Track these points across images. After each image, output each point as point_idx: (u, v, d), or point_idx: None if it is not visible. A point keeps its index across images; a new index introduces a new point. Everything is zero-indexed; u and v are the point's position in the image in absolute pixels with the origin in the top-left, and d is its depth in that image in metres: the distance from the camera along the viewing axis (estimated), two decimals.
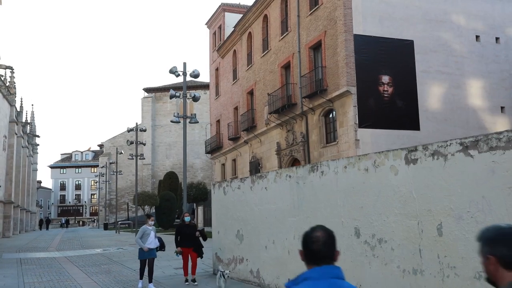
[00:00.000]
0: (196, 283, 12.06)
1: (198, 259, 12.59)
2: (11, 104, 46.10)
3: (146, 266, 11.81)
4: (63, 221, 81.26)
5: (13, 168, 44.84)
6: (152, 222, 12.06)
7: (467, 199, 6.17)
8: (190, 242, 12.12)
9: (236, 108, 36.05)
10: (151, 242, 11.66)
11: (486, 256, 2.14)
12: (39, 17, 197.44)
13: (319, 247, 2.47)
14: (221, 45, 39.25)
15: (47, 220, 76.02)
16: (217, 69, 41.54)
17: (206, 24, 44.16)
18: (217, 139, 39.97)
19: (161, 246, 12.10)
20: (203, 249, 12.51)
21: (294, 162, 26.12)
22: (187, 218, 12.33)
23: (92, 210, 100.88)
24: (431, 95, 22.62)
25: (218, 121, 40.42)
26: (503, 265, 2.08)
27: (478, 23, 24.33)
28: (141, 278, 11.85)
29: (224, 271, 10.42)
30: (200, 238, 12.46)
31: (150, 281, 11.75)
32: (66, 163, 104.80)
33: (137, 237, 11.76)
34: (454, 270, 6.32)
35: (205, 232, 13.27)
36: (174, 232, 13.56)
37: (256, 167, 30.85)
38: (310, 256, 2.49)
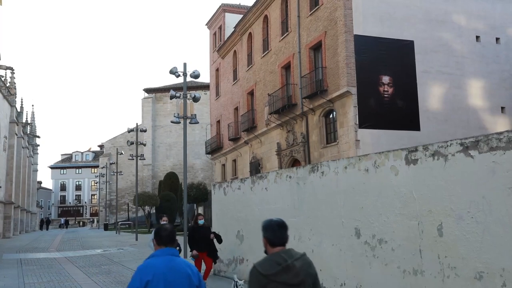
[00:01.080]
0: None
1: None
2: (12, 104, 46.11)
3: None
4: (62, 222, 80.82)
5: (13, 168, 44.85)
6: (165, 222, 10.84)
7: (468, 199, 6.17)
8: (205, 245, 11.32)
9: (236, 109, 36.06)
10: None
11: (263, 237, 3.50)
12: (39, 18, 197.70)
13: (166, 234, 3.74)
14: (221, 46, 39.27)
15: (47, 220, 76.05)
16: (217, 70, 41.56)
17: (206, 24, 44.19)
18: (217, 140, 39.98)
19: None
20: (217, 253, 11.75)
21: (295, 163, 26.11)
22: (201, 221, 11.50)
23: (93, 210, 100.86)
24: (431, 95, 22.62)
25: (219, 121, 40.42)
26: (269, 244, 3.45)
27: (479, 23, 24.33)
28: None
29: (237, 281, 9.61)
30: (215, 241, 11.63)
31: None
32: (66, 163, 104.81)
33: (149, 241, 10.71)
34: (455, 270, 6.32)
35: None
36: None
37: (256, 168, 30.85)
38: (160, 240, 3.74)
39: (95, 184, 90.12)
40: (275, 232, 3.48)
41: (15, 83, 48.35)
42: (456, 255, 6.30)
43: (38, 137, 68.49)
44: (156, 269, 3.57)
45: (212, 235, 11.39)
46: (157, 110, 72.90)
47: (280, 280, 3.28)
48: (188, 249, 11.78)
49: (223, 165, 39.43)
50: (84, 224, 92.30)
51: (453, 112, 22.83)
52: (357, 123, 21.08)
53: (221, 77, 40.38)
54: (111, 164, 62.20)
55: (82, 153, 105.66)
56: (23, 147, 52.22)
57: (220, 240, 11.53)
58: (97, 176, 74.37)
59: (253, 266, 3.41)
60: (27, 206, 59.28)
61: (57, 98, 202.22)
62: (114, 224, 54.36)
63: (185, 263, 3.75)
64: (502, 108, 24.21)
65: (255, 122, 31.59)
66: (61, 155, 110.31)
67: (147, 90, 74.21)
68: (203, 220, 11.50)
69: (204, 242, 11.28)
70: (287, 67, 27.67)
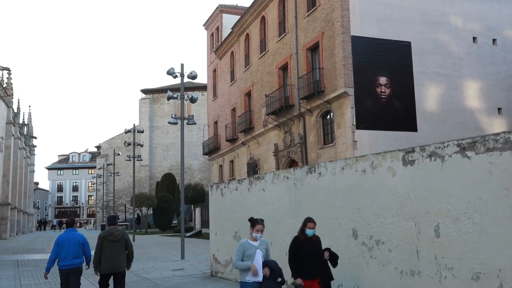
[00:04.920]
0: None
1: None
2: (8, 105, 45.99)
3: None
4: (55, 223, 79.05)
5: (10, 169, 44.71)
6: (259, 235, 6.80)
7: (464, 200, 6.18)
8: (316, 269, 6.99)
9: (233, 110, 36.05)
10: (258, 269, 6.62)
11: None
12: (36, 18, 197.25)
13: (69, 222, 8.83)
14: (218, 47, 39.27)
15: (44, 221, 75.79)
16: (214, 71, 41.55)
17: (203, 25, 44.20)
18: (214, 141, 39.96)
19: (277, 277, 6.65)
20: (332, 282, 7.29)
21: (292, 164, 26.11)
22: (310, 232, 7.07)
23: (90, 211, 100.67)
24: (428, 97, 22.66)
25: (216, 122, 40.41)
26: (107, 224, 9.03)
27: (476, 24, 24.40)
28: None
29: None
30: (328, 262, 7.25)
31: None
32: (63, 164, 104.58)
33: (235, 261, 6.74)
34: (452, 271, 6.33)
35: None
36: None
37: (253, 169, 30.84)
38: (67, 225, 8.82)
39: (92, 185, 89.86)
40: (110, 219, 8.93)
41: (11, 84, 48.25)
42: (453, 256, 6.31)
43: (35, 138, 68.31)
44: (63, 237, 8.46)
45: (326, 254, 7.11)
46: (154, 111, 72.88)
47: (107, 239, 8.38)
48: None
49: (221, 166, 39.40)
50: (81, 225, 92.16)
51: (450, 113, 22.88)
52: (355, 124, 21.09)
53: (219, 78, 40.37)
54: (108, 165, 62.11)
55: (79, 154, 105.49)
56: (20, 148, 52.04)
57: (335, 262, 7.24)
58: (94, 177, 74.22)
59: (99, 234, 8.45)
60: (24, 207, 59.12)
61: (54, 98, 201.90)
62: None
63: (78, 234, 8.54)
64: (499, 109, 24.27)
65: (253, 123, 31.59)
66: (58, 156, 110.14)
67: (145, 91, 74.20)
68: (313, 230, 7.13)
69: (315, 263, 7.01)
70: (284, 68, 27.67)
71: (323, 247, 7.29)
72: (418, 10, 23.12)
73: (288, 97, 26.48)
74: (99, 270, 8.53)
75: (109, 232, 8.46)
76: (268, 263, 6.69)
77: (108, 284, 8.71)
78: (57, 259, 8.39)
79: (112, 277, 8.67)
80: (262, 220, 6.95)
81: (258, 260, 6.60)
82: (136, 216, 50.53)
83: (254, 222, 6.87)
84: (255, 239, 6.79)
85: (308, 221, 7.15)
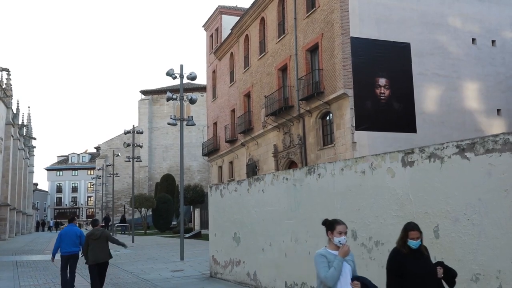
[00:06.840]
0: None
1: None
2: (8, 106, 45.95)
3: None
4: (51, 224, 77.60)
5: (9, 170, 44.66)
6: (344, 238, 4.85)
7: (464, 201, 6.19)
8: None
9: (233, 111, 36.06)
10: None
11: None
12: (36, 19, 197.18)
13: (70, 218, 11.66)
14: (218, 48, 39.29)
15: (42, 222, 75.57)
16: (214, 72, 41.58)
17: (203, 26, 44.24)
18: (214, 142, 39.97)
19: None
20: None
21: (291, 165, 26.11)
22: (414, 243, 4.99)
23: (89, 212, 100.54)
24: (427, 98, 22.68)
25: (215, 123, 40.42)
26: (91, 225, 11.58)
27: (475, 26, 24.43)
28: None
29: None
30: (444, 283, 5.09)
31: None
32: (62, 165, 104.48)
33: (325, 273, 4.74)
34: None
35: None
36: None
37: (253, 170, 30.84)
38: (68, 220, 11.60)
39: (92, 186, 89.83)
40: (92, 222, 11.13)
41: (11, 85, 48.22)
42: (452, 257, 6.31)
43: (34, 138, 68.22)
44: (65, 230, 11.06)
45: (440, 270, 4.99)
46: (153, 112, 72.91)
47: (90, 238, 10.41)
48: None
49: (220, 167, 39.40)
50: (80, 226, 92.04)
51: (449, 114, 22.90)
52: (354, 125, 21.10)
53: (218, 79, 40.39)
54: (107, 166, 62.04)
55: (78, 154, 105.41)
56: (19, 149, 51.99)
57: (452, 282, 5.07)
58: (94, 178, 74.14)
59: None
60: (23, 208, 59.08)
61: (53, 99, 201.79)
62: (111, 226, 54.18)
63: (77, 228, 11.19)
64: (498, 110, 24.30)
65: (252, 124, 31.59)
66: (58, 156, 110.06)
67: (144, 92, 74.23)
68: (419, 240, 5.05)
69: (428, 285, 4.91)
70: (283, 69, 27.68)
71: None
72: (417, 11, 23.15)
73: (287, 98, 26.48)
74: (87, 261, 10.64)
75: (91, 233, 10.64)
76: (360, 279, 4.91)
77: (96, 271, 10.65)
78: (59, 248, 10.97)
79: (98, 266, 10.72)
80: (340, 221, 4.98)
81: (346, 276, 4.85)
82: (121, 217, 54.45)
83: (334, 224, 4.89)
84: (337, 247, 4.82)
85: (411, 229, 5.03)
